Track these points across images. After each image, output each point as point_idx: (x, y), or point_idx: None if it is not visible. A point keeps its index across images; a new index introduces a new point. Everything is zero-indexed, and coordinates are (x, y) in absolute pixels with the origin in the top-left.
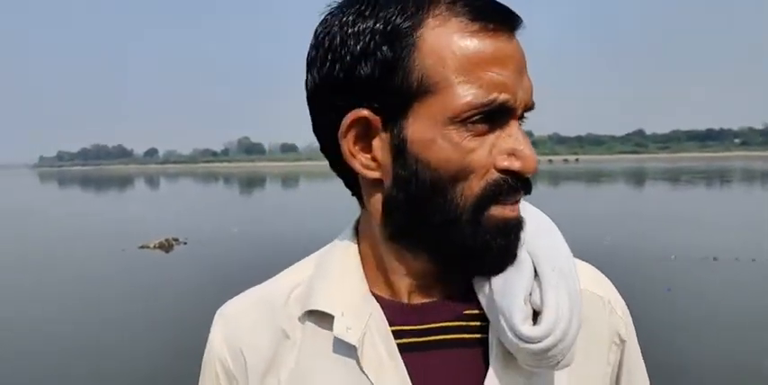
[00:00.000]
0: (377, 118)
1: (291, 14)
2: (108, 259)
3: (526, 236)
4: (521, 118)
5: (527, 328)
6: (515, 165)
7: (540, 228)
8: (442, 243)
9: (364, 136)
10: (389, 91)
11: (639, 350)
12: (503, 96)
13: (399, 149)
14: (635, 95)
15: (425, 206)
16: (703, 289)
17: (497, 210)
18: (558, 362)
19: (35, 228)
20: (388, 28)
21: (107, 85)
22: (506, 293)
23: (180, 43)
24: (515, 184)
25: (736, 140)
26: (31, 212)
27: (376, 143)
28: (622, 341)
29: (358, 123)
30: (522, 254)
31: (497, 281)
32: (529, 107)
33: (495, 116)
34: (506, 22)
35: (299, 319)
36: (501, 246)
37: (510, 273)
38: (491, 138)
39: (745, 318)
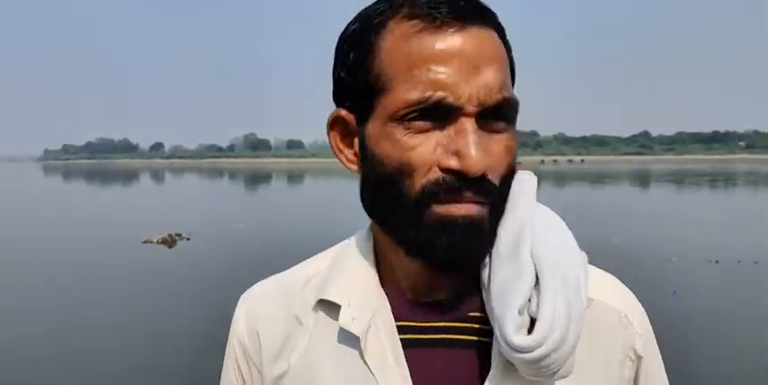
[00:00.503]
0: (351, 117)
1: (302, 12)
2: (111, 253)
3: (532, 240)
4: (500, 116)
5: (518, 338)
6: (456, 164)
7: (547, 233)
8: (397, 238)
9: (347, 133)
10: (356, 91)
11: (663, 368)
12: (439, 94)
13: (363, 146)
14: (640, 97)
15: (379, 200)
16: (704, 291)
17: (441, 208)
18: (555, 372)
19: (39, 222)
20: (360, 30)
21: (114, 79)
22: (502, 301)
23: (188, 38)
24: (456, 184)
25: (741, 143)
26: (35, 205)
27: (356, 140)
28: (638, 357)
29: (338, 122)
30: (526, 259)
31: (497, 286)
32: (491, 104)
33: (435, 114)
34: (455, 17)
35: (313, 308)
36: (445, 243)
37: (510, 278)
38: (437, 135)
39: (746, 320)
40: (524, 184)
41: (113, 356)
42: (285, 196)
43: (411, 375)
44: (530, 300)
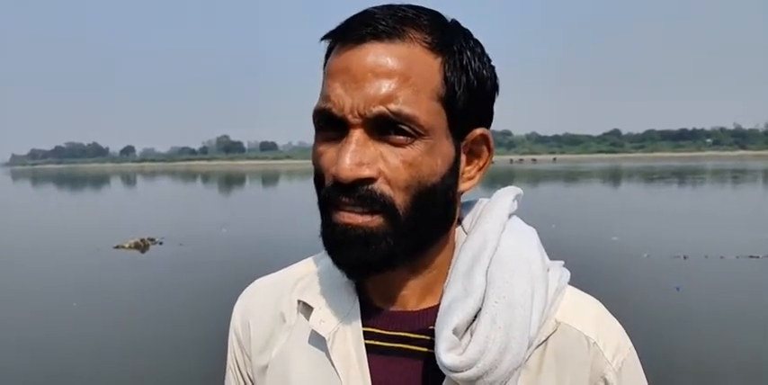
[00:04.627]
0: None
1: (274, 13)
2: (82, 259)
3: (491, 259)
4: (399, 130)
5: (447, 357)
6: (333, 171)
7: (509, 254)
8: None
9: None
10: None
11: None
12: (326, 105)
13: None
14: (611, 95)
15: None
16: (671, 285)
17: (332, 215)
18: None
19: (6, 229)
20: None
21: (82, 81)
22: (443, 319)
23: (158, 39)
24: (334, 190)
25: (709, 140)
26: (2, 212)
27: None
28: None
29: None
30: (478, 279)
31: (444, 303)
32: (371, 116)
33: (335, 124)
34: (357, 37)
35: (296, 307)
36: (333, 250)
37: (458, 297)
38: (338, 145)
39: (713, 316)
40: (497, 200)
41: (86, 365)
42: (261, 198)
43: (372, 379)
44: (475, 321)
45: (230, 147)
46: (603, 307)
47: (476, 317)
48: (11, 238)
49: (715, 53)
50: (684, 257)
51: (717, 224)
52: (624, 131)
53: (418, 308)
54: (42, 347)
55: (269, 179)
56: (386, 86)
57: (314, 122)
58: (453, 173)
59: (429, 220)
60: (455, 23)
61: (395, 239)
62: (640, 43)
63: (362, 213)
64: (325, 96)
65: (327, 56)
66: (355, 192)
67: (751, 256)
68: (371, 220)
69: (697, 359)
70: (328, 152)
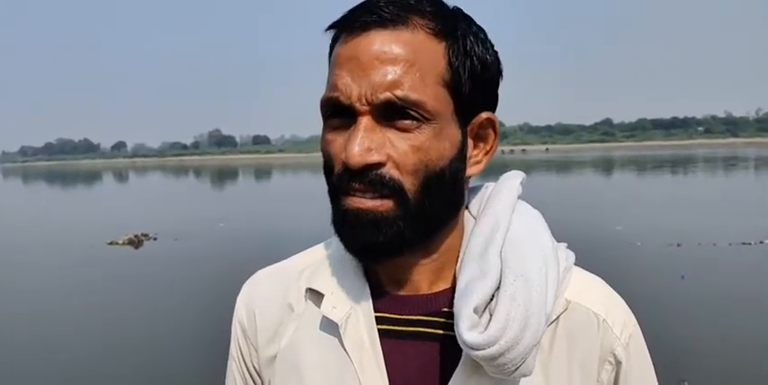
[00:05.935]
0: None
1: (267, 8)
2: (75, 256)
3: (504, 240)
4: (405, 115)
5: (470, 336)
6: (343, 157)
7: (521, 233)
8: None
9: None
10: None
11: (651, 377)
12: (333, 94)
13: None
14: (602, 85)
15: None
16: (666, 273)
17: (343, 201)
18: (514, 371)
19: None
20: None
21: (72, 77)
22: (462, 299)
23: (147, 34)
24: (345, 177)
25: (700, 128)
26: None
27: None
28: (618, 362)
29: None
30: (493, 259)
31: (461, 284)
32: (378, 103)
33: (342, 113)
34: (362, 25)
35: (304, 296)
36: (345, 235)
37: (475, 277)
38: (346, 133)
39: (709, 301)
40: (505, 184)
41: (82, 361)
42: (254, 192)
43: (385, 363)
44: (492, 300)
45: (222, 142)
46: (608, 285)
47: (492, 296)
48: (3, 237)
49: (705, 41)
50: (678, 245)
51: (710, 211)
52: (616, 120)
53: (430, 292)
54: (37, 344)
55: (262, 173)
56: (392, 73)
57: (321, 112)
58: (461, 157)
59: (438, 204)
60: (457, 10)
61: (405, 222)
62: (631, 32)
63: (373, 198)
64: (332, 85)
65: (333, 46)
66: (365, 177)
67: (743, 243)
68: (382, 204)
69: (693, 342)
70: (337, 140)
